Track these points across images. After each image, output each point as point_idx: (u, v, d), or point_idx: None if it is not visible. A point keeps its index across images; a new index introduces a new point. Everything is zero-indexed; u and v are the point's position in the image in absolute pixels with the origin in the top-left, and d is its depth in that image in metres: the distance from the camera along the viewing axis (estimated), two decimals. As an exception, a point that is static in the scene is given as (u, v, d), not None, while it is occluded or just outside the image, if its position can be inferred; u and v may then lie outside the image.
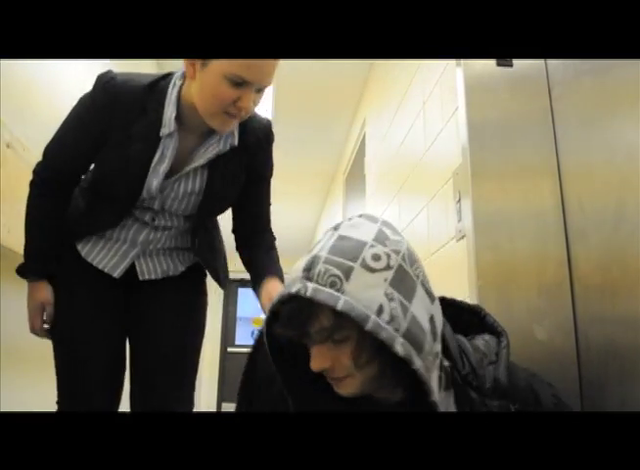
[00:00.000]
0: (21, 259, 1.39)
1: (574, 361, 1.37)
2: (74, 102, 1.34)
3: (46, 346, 1.45)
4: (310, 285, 0.82)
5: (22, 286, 1.43)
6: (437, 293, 1.86)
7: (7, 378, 1.84)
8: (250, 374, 1.05)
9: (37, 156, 1.82)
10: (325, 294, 0.80)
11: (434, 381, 0.86)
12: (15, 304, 1.99)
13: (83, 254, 1.43)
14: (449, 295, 1.72)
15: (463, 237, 1.61)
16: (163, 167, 1.35)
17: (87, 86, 1.25)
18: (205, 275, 1.64)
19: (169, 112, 1.31)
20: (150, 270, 1.48)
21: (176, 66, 1.35)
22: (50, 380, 1.34)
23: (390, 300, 0.83)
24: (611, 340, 1.25)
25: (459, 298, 1.62)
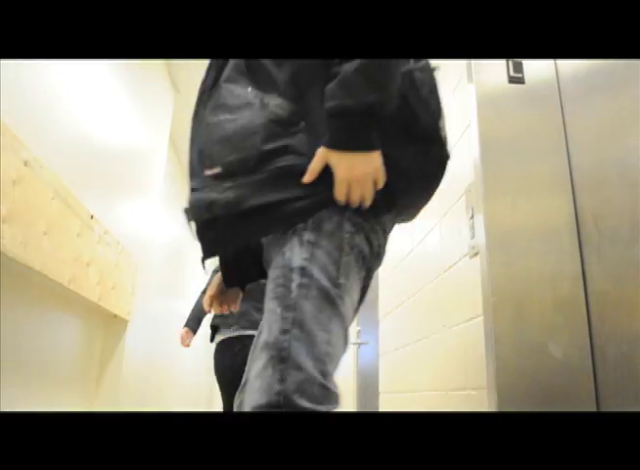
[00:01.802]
0: (36, 276, 1.41)
1: (591, 378, 1.35)
2: (94, 123, 1.37)
3: (44, 354, 1.46)
4: None
5: (28, 297, 1.44)
6: (450, 310, 1.86)
7: (6, 384, 1.85)
8: None
9: (54, 174, 1.85)
10: None
11: None
12: (21, 315, 2.01)
13: None
14: (463, 312, 1.71)
15: (476, 254, 1.61)
16: None
17: (104, 108, 1.27)
18: None
19: None
20: None
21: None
22: (48, 387, 1.35)
23: None
24: (627, 356, 1.24)
25: (473, 315, 1.62)
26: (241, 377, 1.01)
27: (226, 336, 2.70)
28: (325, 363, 0.88)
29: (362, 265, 0.99)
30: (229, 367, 2.60)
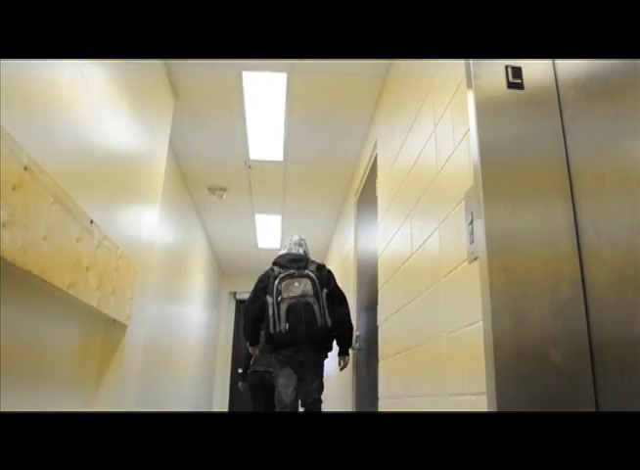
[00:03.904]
0: (36, 280, 1.43)
1: (590, 384, 1.35)
2: (91, 128, 1.37)
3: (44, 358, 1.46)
4: None
5: (28, 302, 1.43)
6: (450, 315, 1.86)
7: (6, 388, 1.85)
8: None
9: (54, 179, 1.86)
10: None
11: None
12: (21, 320, 2.01)
13: None
14: (462, 317, 1.71)
15: (475, 259, 1.61)
16: None
17: (104, 113, 1.28)
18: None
19: None
20: None
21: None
22: (46, 392, 1.35)
23: None
24: (627, 362, 1.23)
25: (472, 320, 1.61)
26: (262, 390, 4.76)
27: (254, 369, 4.86)
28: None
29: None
30: (259, 384, 4.83)
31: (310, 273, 3.41)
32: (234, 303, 9.70)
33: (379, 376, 3.07)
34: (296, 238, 3.77)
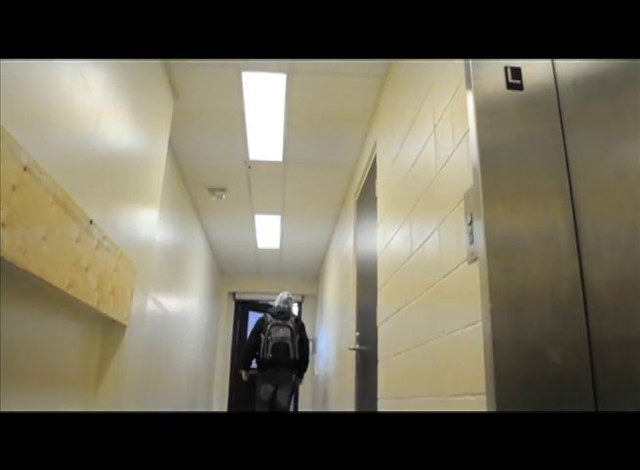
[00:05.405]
0: (35, 281, 1.43)
1: (590, 384, 1.35)
2: (91, 128, 1.37)
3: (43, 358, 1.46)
4: None
5: (27, 302, 1.43)
6: (449, 316, 1.86)
7: (5, 388, 1.84)
8: None
9: (54, 179, 1.86)
10: None
11: None
12: (20, 320, 2.01)
13: None
14: (461, 317, 1.71)
15: (475, 259, 1.61)
16: None
17: (104, 113, 1.28)
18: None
19: None
20: None
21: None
22: (45, 392, 1.35)
23: None
24: (626, 362, 1.23)
25: (471, 321, 1.62)
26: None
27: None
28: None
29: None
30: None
31: (290, 324, 5.63)
32: (233, 303, 9.70)
33: (378, 376, 3.07)
34: (284, 297, 5.89)
